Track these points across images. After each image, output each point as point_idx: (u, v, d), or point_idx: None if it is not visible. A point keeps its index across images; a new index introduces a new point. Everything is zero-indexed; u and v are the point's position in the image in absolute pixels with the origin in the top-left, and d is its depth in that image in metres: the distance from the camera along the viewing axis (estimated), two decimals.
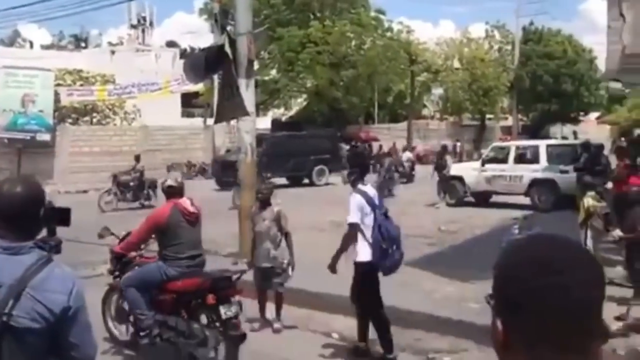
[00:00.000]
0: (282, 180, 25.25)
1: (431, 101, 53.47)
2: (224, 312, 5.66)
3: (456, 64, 45.12)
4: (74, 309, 2.21)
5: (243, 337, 5.74)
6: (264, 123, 35.72)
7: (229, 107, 10.15)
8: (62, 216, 2.78)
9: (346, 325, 7.36)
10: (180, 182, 6.40)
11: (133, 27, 45.93)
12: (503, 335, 1.19)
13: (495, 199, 18.12)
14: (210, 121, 30.46)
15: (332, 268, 6.43)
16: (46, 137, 27.97)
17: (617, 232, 7.41)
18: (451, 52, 45.05)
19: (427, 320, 7.09)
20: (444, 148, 21.66)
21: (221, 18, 17.59)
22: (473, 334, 6.71)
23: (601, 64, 52.98)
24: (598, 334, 1.15)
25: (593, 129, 56.18)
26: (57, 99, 28.90)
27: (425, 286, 8.68)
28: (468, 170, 18.62)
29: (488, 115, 49.31)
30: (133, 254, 6.44)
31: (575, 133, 51.20)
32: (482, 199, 18.02)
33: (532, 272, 1.14)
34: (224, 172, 24.65)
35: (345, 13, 37.16)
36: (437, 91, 49.54)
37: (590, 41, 74.74)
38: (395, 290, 8.46)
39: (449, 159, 19.92)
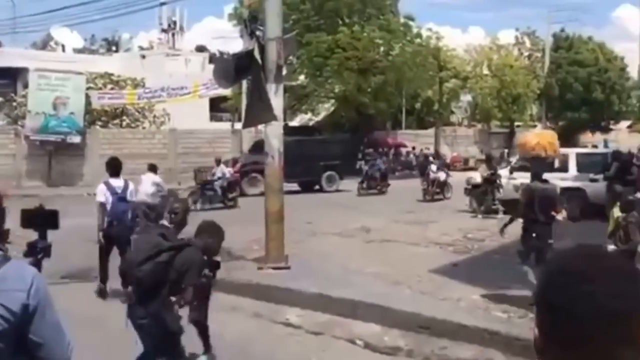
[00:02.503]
0: (292, 186, 24.86)
1: (459, 108, 53.18)
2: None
3: (485, 71, 44.89)
4: (33, 305, 2.09)
5: None
6: None
7: (257, 112, 10.21)
8: (50, 219, 2.79)
9: (371, 332, 7.35)
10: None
11: (164, 31, 46.34)
12: (539, 341, 1.24)
13: None
14: (238, 125, 30.62)
15: None
16: (77, 139, 28.34)
17: (611, 246, 7.45)
18: (480, 58, 44.83)
19: (453, 329, 7.04)
20: (489, 157, 20.11)
21: (250, 23, 17.73)
22: (499, 343, 6.67)
23: (633, 72, 52.39)
24: (631, 345, 1.16)
25: (624, 137, 55.33)
26: (88, 102, 29.25)
27: (452, 294, 8.63)
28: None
29: (517, 123, 48.88)
30: None
31: (605, 142, 50.50)
32: (511, 208, 17.83)
33: (566, 280, 1.19)
34: None
35: (374, 19, 37.13)
36: (466, 98, 49.28)
37: (622, 49, 73.80)
38: (421, 298, 8.45)
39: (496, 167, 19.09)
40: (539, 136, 8.43)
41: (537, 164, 8.59)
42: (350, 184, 25.41)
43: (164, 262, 4.92)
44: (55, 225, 2.76)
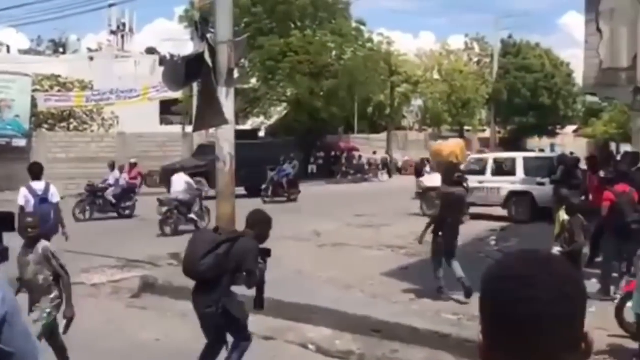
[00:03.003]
0: (239, 190, 24.48)
1: (410, 112, 53.79)
2: None
3: (436, 76, 45.53)
4: (1, 315, 1.98)
5: None
6: None
7: (208, 116, 10.11)
8: (6, 221, 2.70)
9: (323, 336, 7.33)
10: None
11: (113, 33, 45.64)
12: (483, 346, 1.24)
13: (472, 210, 18.22)
14: (189, 129, 30.30)
15: None
16: (22, 142, 27.62)
17: (557, 248, 7.67)
18: (431, 63, 45.45)
19: (405, 332, 7.07)
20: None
21: (202, 26, 17.57)
22: (450, 346, 6.72)
23: (578, 78, 53.80)
24: (573, 349, 1.17)
25: (570, 142, 56.88)
26: (34, 105, 28.58)
27: (403, 297, 8.68)
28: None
29: (466, 127, 49.70)
30: None
31: (552, 146, 51.87)
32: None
33: (507, 285, 1.18)
34: (168, 180, 24.32)
35: (326, 23, 37.22)
36: (417, 102, 49.89)
37: (568, 55, 75.81)
38: (373, 302, 8.48)
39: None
40: (451, 146, 9.20)
41: (449, 170, 9.14)
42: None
43: (223, 253, 5.37)
44: (11, 227, 2.69)
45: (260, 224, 5.75)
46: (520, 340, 1.16)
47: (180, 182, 16.34)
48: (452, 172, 9.03)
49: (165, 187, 24.84)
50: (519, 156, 18.49)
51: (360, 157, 39.10)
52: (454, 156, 9.61)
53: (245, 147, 26.05)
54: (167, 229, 15.07)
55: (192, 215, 15.53)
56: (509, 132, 53.45)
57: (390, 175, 38.13)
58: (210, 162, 24.16)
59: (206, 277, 5.44)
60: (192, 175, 24.01)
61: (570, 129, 59.90)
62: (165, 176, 24.66)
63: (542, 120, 50.84)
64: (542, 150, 43.07)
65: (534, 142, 54.35)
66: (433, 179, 19.33)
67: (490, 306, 1.20)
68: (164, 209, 15.44)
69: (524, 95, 48.86)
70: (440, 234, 8.51)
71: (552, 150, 46.56)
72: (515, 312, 1.15)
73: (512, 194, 17.02)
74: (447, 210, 8.56)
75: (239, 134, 29.65)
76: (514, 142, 47.47)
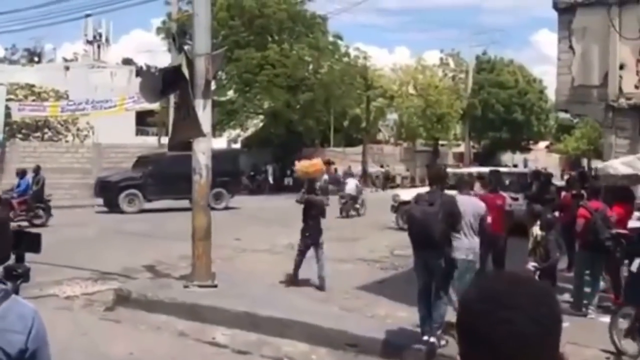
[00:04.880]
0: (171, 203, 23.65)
1: (386, 126, 54.12)
2: None
3: (411, 90, 45.89)
4: (31, 350, 2.01)
5: None
6: (220, 143, 35.55)
7: (185, 128, 10.06)
8: (32, 242, 2.60)
9: (299, 351, 7.32)
10: None
11: (89, 42, 45.33)
12: None
13: None
14: (164, 140, 30.14)
15: None
16: None
17: (532, 264, 7.78)
18: (406, 78, 45.81)
19: (381, 346, 7.09)
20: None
21: (179, 38, 17.52)
22: None
23: (551, 94, 54.60)
24: None
25: (542, 157, 57.61)
26: (7, 114, 28.25)
27: (379, 311, 8.71)
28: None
29: (441, 142, 50.10)
30: None
31: (525, 161, 52.47)
32: None
33: (485, 307, 1.21)
34: (103, 192, 24.13)
35: (303, 37, 37.41)
36: (392, 116, 50.25)
37: (540, 71, 76.92)
38: (348, 316, 8.49)
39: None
40: (313, 165, 11.41)
41: (311, 183, 11.16)
42: (243, 201, 25.43)
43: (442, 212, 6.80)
44: (37, 249, 2.59)
45: (441, 179, 7.25)
46: None
47: (352, 184, 23.66)
48: (313, 184, 11.25)
49: (100, 197, 24.36)
50: (491, 171, 18.63)
51: (335, 170, 39.17)
52: (315, 172, 11.46)
53: (184, 159, 24.93)
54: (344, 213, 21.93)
55: (357, 206, 23.05)
56: (483, 147, 54.05)
57: (383, 188, 37.84)
58: (145, 175, 24.03)
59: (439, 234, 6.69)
60: (125, 188, 23.77)
61: (542, 144, 60.71)
62: (100, 188, 24.33)
63: (515, 135, 51.47)
64: (515, 166, 43.57)
65: (507, 157, 54.96)
66: (409, 193, 19.47)
67: (468, 327, 1.23)
68: (343, 200, 22.56)
69: (498, 111, 49.46)
70: (307, 234, 10.46)
71: (525, 165, 47.10)
72: (493, 333, 1.18)
73: None
74: (309, 212, 10.52)
75: (186, 146, 28.96)
76: (487, 157, 47.99)
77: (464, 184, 8.73)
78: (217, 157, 25.69)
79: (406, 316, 8.31)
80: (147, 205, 23.78)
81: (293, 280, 10.51)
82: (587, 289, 8.75)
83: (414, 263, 7.28)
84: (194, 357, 7.28)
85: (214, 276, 9.87)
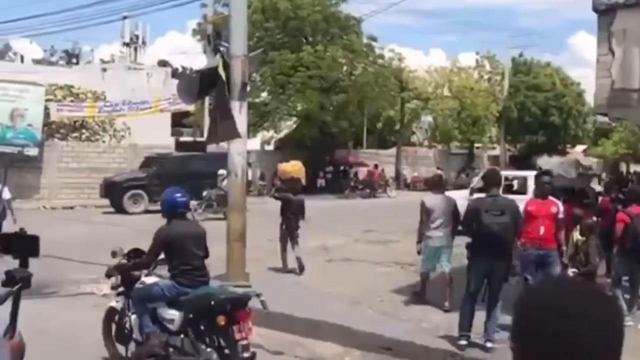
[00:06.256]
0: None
1: (420, 128, 53.79)
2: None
3: (446, 92, 45.51)
4: None
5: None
6: (254, 145, 35.71)
7: (221, 129, 10.14)
8: (30, 245, 2.49)
9: (332, 353, 7.32)
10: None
11: (126, 44, 45.93)
12: None
13: None
14: (199, 140, 30.39)
15: None
16: (34, 151, 27.81)
17: (572, 269, 7.65)
18: (441, 80, 45.45)
19: (415, 351, 7.05)
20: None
21: (214, 39, 17.63)
22: None
23: (589, 97, 53.73)
24: None
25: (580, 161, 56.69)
26: (46, 114, 28.77)
27: (414, 315, 8.65)
28: (456, 198, 18.62)
29: (476, 144, 49.63)
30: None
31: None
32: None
33: (543, 317, 1.17)
34: (108, 193, 24.14)
35: (337, 39, 37.40)
36: (427, 119, 49.86)
37: (578, 74, 75.69)
38: (382, 319, 8.46)
39: None
40: (294, 166, 13.06)
41: (292, 185, 12.73)
42: (276, 202, 25.26)
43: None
44: (34, 252, 2.49)
45: (498, 182, 7.59)
46: None
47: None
48: (296, 185, 12.58)
49: (105, 198, 24.39)
50: (530, 175, 18.42)
51: (368, 172, 39.12)
52: (296, 173, 12.80)
53: (190, 160, 24.99)
54: None
55: None
56: (519, 150, 53.37)
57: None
58: (150, 175, 23.98)
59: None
60: (130, 188, 23.84)
61: (580, 148, 59.73)
62: (106, 188, 24.36)
63: (552, 139, 50.75)
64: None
65: (543, 160, 54.18)
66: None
67: (525, 337, 1.20)
68: None
69: (535, 114, 48.82)
70: (283, 227, 11.78)
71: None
72: (555, 343, 1.15)
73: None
74: (286, 208, 11.80)
75: (189, 146, 27.97)
76: (523, 160, 47.35)
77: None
78: (223, 158, 25.24)
79: (441, 320, 8.25)
80: (153, 207, 23.51)
81: (283, 267, 11.81)
82: (627, 296, 8.58)
83: (472, 267, 7.17)
84: None
85: (249, 277, 9.93)
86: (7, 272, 2.40)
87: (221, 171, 20.56)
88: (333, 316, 8.08)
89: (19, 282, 2.37)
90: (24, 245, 2.46)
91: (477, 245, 7.03)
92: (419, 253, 9.66)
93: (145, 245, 6.47)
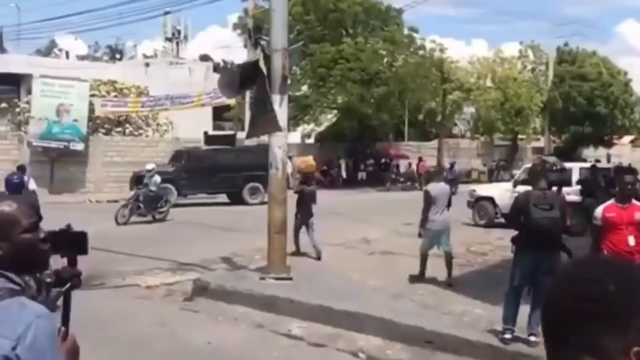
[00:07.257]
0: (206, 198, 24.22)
1: (462, 120, 53.18)
2: None
3: (489, 83, 44.84)
4: None
5: None
6: (294, 138, 35.78)
7: (262, 123, 10.19)
8: (76, 242, 2.35)
9: (374, 345, 7.30)
10: None
11: (168, 39, 46.42)
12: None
13: None
14: (240, 134, 30.59)
15: None
16: (80, 146, 28.38)
17: None
18: (484, 71, 44.80)
19: (457, 344, 6.98)
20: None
21: (255, 33, 17.75)
22: (503, 359, 6.62)
23: (636, 87, 52.43)
24: None
25: (627, 152, 55.39)
26: (91, 110, 29.31)
27: (455, 308, 8.58)
28: (500, 191, 18.42)
29: (520, 136, 48.84)
30: None
31: (608, 156, 50.50)
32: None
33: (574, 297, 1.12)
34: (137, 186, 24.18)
35: (377, 30, 37.20)
36: (469, 110, 49.23)
37: (626, 63, 73.97)
38: (423, 312, 8.41)
39: None
40: (304, 162, 13.67)
41: (305, 178, 13.08)
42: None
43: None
44: (83, 250, 2.35)
45: (544, 175, 7.92)
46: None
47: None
48: (309, 177, 13.18)
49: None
50: (575, 166, 18.10)
51: (410, 164, 38.86)
52: (307, 168, 13.46)
53: (218, 153, 25.18)
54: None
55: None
56: (564, 142, 52.35)
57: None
58: (178, 169, 24.05)
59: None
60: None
61: (627, 139, 58.29)
62: (135, 182, 23.79)
63: (598, 129, 49.62)
64: (597, 161, 42.07)
65: (589, 152, 53.08)
66: (487, 189, 19.11)
67: (553, 320, 1.16)
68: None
69: (580, 104, 47.77)
70: (298, 215, 12.21)
71: (609, 161, 45.37)
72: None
73: (569, 205, 16.62)
74: (301, 199, 12.33)
75: (218, 140, 28.31)
76: (568, 152, 46.45)
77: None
78: (252, 151, 24.80)
79: (483, 313, 8.16)
80: (182, 201, 23.58)
81: (296, 251, 12.08)
82: None
83: (518, 261, 7.05)
84: (270, 349, 7.37)
85: (289, 269, 9.97)
86: (56, 272, 2.29)
87: (150, 166, 20.35)
88: (374, 309, 8.05)
89: (68, 282, 2.27)
90: (72, 243, 2.33)
91: (525, 239, 6.92)
92: (419, 236, 10.66)
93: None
